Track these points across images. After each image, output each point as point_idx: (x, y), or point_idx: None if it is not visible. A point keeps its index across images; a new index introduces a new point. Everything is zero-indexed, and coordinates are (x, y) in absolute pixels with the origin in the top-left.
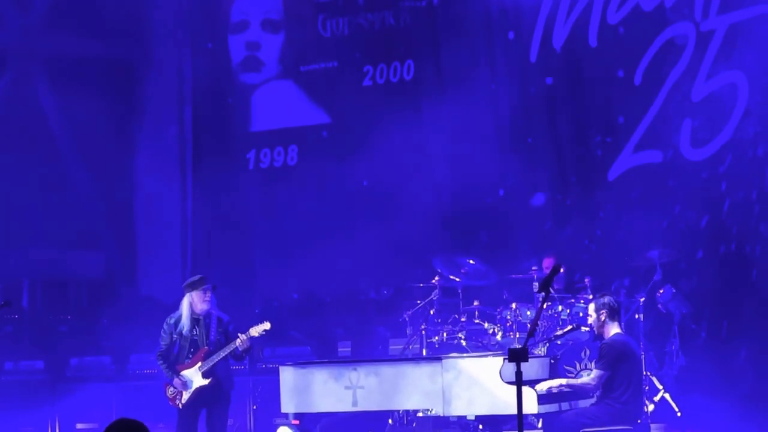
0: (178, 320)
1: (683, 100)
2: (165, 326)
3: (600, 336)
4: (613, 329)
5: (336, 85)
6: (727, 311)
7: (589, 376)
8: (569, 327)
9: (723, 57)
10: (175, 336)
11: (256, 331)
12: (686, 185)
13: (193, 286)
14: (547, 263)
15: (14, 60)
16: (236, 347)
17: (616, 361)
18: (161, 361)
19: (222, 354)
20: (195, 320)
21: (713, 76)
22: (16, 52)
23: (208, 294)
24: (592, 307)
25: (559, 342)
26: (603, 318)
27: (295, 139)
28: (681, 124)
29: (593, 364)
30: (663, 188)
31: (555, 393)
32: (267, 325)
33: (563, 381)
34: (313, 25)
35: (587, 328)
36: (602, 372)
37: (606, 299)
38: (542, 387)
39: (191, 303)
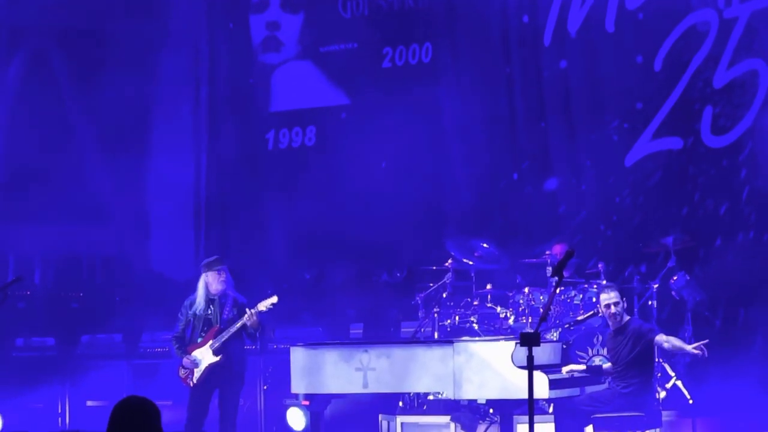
0: (194, 301)
1: (704, 87)
2: (182, 309)
3: (615, 324)
4: (627, 314)
5: (355, 67)
6: (745, 299)
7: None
8: (591, 312)
9: (745, 44)
10: (190, 316)
11: (263, 305)
12: (706, 172)
13: (209, 267)
14: (558, 249)
15: (30, 35)
16: (245, 323)
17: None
18: (175, 344)
19: (232, 330)
20: (210, 300)
21: (735, 64)
22: (32, 27)
23: (223, 275)
24: (617, 294)
25: (571, 327)
26: (626, 306)
27: (313, 119)
28: (702, 111)
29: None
30: (683, 175)
31: (567, 378)
32: (274, 299)
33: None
34: (333, 5)
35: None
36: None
37: (617, 287)
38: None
39: (207, 283)
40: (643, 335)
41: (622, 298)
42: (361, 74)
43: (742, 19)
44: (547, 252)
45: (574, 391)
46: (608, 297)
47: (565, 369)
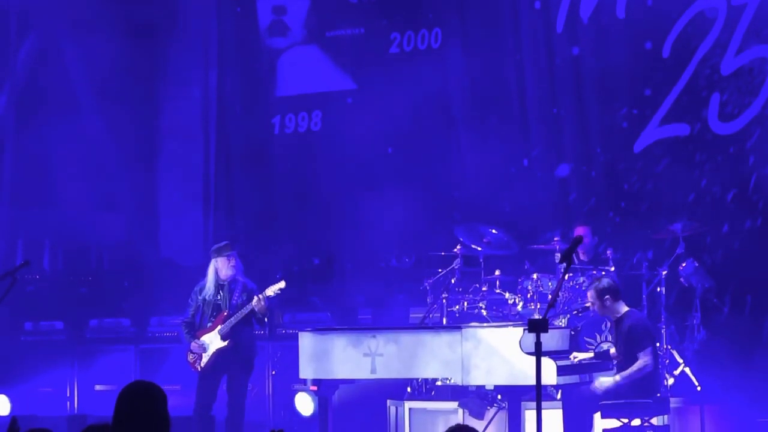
0: (203, 287)
1: (712, 73)
2: (192, 294)
3: (607, 317)
4: (623, 307)
5: (362, 52)
6: (752, 286)
7: (641, 360)
8: None
9: (753, 31)
10: (200, 301)
11: (271, 290)
12: (713, 159)
13: (218, 252)
14: (581, 231)
15: (39, 19)
16: (253, 308)
17: (649, 332)
18: (185, 329)
19: (240, 315)
20: (220, 286)
21: (743, 51)
22: (41, 11)
23: (233, 260)
24: (591, 294)
25: (579, 314)
26: (608, 303)
27: (319, 104)
28: (709, 98)
29: (612, 347)
30: (690, 162)
31: (575, 365)
32: (282, 284)
33: (617, 378)
34: None
35: None
36: (650, 347)
37: (605, 282)
38: (602, 385)
39: (216, 269)
40: (633, 341)
41: (599, 296)
42: (368, 59)
43: (751, 6)
44: (556, 238)
45: (582, 378)
46: (587, 301)
47: (602, 384)
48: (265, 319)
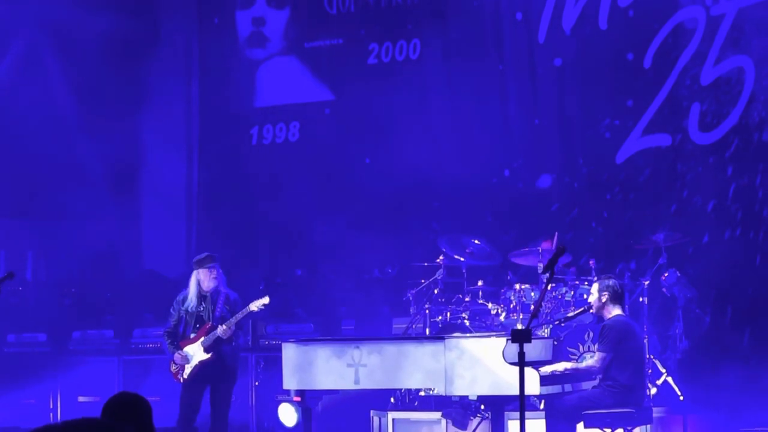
0: (186, 297)
1: (692, 84)
2: (174, 304)
3: (600, 317)
4: (614, 311)
5: (340, 63)
6: (732, 296)
7: (592, 359)
8: (582, 309)
9: (731, 41)
10: (182, 312)
11: (255, 305)
12: (694, 169)
13: (200, 264)
14: (546, 245)
15: (23, 31)
16: (219, 335)
17: (618, 342)
18: (167, 339)
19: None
20: (202, 297)
21: (721, 60)
22: (25, 23)
23: (215, 272)
24: (595, 287)
25: (562, 324)
26: (604, 300)
27: (297, 115)
28: (690, 108)
29: (596, 346)
30: (671, 172)
31: (558, 375)
32: (266, 300)
33: (568, 365)
34: (318, 1)
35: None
36: (605, 354)
37: (611, 282)
38: (546, 370)
39: (199, 280)
40: (599, 337)
41: (598, 291)
42: (346, 70)
43: (728, 16)
44: (539, 249)
45: (565, 388)
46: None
47: (548, 369)
48: (232, 343)
